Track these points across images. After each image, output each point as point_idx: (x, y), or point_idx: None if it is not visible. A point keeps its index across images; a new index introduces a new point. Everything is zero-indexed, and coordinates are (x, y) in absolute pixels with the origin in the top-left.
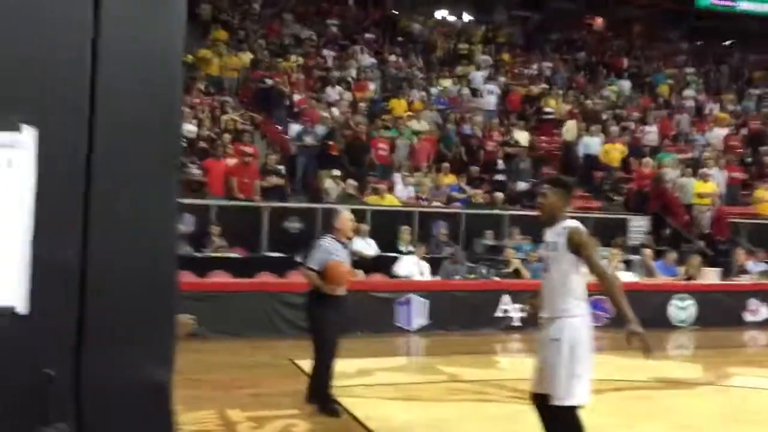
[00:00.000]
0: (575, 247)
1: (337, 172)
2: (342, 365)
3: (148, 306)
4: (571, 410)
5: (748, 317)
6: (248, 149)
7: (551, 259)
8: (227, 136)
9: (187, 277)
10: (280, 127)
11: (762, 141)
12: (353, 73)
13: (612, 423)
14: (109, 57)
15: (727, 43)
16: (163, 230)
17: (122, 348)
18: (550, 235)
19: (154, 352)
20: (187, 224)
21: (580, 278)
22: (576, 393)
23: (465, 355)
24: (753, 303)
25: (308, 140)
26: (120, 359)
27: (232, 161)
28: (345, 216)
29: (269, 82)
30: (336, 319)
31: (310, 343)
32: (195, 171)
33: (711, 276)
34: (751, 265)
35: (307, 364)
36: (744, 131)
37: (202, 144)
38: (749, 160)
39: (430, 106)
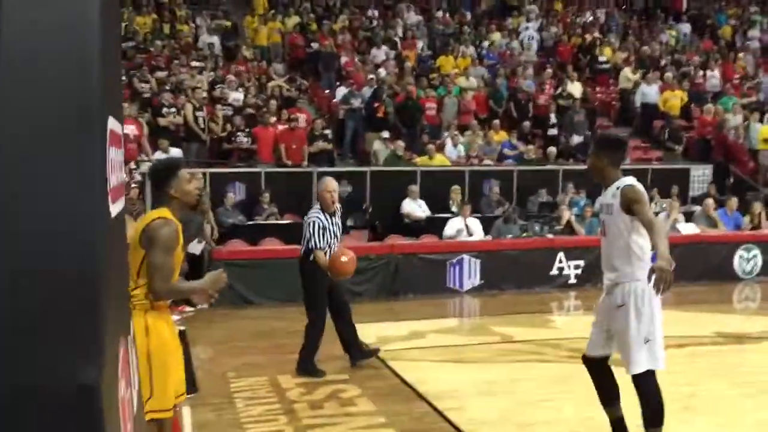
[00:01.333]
0: (628, 204)
1: (385, 134)
2: (393, 328)
3: (64, 299)
4: (648, 376)
5: None
6: (296, 115)
7: (608, 222)
8: (274, 103)
9: (238, 245)
10: (327, 92)
11: None
12: (399, 32)
13: (675, 380)
14: None
15: None
16: (75, 204)
17: (31, 348)
18: (606, 196)
19: (75, 351)
20: (238, 192)
21: (640, 239)
22: (650, 358)
23: (518, 315)
24: None
25: (355, 103)
26: (28, 360)
27: (280, 128)
28: (325, 186)
29: (315, 46)
30: (326, 279)
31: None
32: (244, 139)
33: None
34: None
35: (359, 328)
36: None
37: (250, 111)
38: None
39: (478, 62)
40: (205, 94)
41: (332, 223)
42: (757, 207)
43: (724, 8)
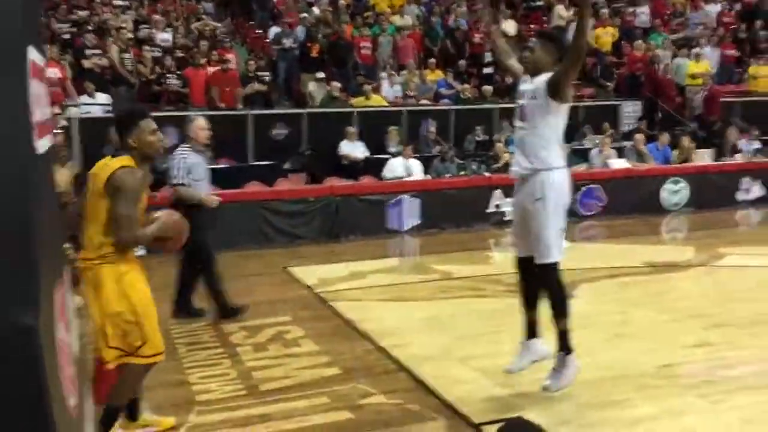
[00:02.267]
0: (553, 85)
1: (320, 75)
2: (334, 270)
3: None
4: (557, 266)
5: (741, 196)
6: (228, 56)
7: (530, 108)
8: (205, 44)
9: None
10: (260, 31)
11: (756, 15)
12: None
13: (607, 309)
14: None
15: None
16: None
17: None
18: (529, 84)
19: (11, 292)
20: (170, 137)
21: (561, 124)
22: (560, 248)
23: (458, 253)
24: (745, 182)
25: (287, 43)
26: None
27: (212, 69)
28: (198, 124)
29: None
30: (207, 226)
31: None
32: (174, 81)
33: (704, 157)
34: (743, 143)
35: (300, 271)
36: (737, 6)
37: (180, 53)
38: (743, 36)
39: (413, 0)
40: (130, 35)
41: (198, 161)
42: (685, 141)
43: None
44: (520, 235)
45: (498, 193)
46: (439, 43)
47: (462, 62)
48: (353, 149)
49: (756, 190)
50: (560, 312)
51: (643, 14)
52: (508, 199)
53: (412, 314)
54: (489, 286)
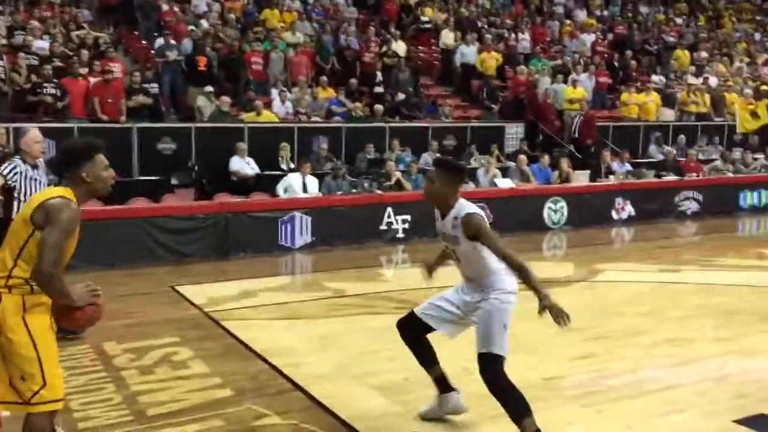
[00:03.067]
0: (473, 236)
1: (209, 89)
2: (225, 288)
3: None
4: (501, 361)
5: (615, 215)
6: (111, 66)
7: (458, 251)
8: (86, 53)
9: None
10: (145, 42)
11: (626, 45)
12: None
13: None
14: None
15: None
16: None
17: None
18: (445, 226)
19: None
20: (48, 149)
21: (490, 255)
22: (505, 346)
23: (350, 270)
24: (619, 202)
25: (171, 55)
26: None
27: (93, 80)
28: (31, 136)
29: None
30: None
31: None
32: (52, 91)
33: (581, 178)
34: (616, 165)
35: (189, 290)
36: (610, 36)
37: (58, 62)
38: (615, 64)
39: (304, 17)
40: (3, 41)
41: (37, 175)
42: (564, 163)
43: None
44: (449, 311)
45: (390, 210)
46: (331, 61)
47: (353, 81)
48: (244, 165)
49: (629, 209)
50: (520, 414)
51: (524, 41)
52: (399, 217)
53: (306, 333)
54: (381, 303)
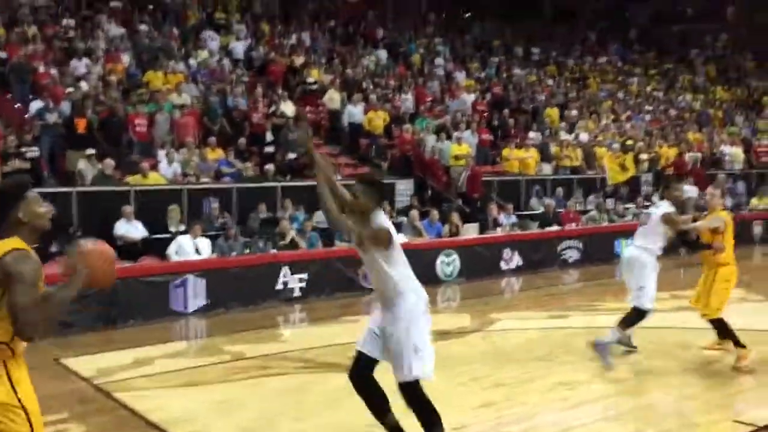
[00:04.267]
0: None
1: (91, 151)
2: (115, 358)
3: None
4: (417, 384)
5: (504, 266)
6: None
7: (366, 262)
8: None
9: None
10: (19, 105)
11: (503, 104)
12: (102, 44)
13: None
14: None
15: (467, 15)
16: None
17: None
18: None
19: None
20: None
21: (396, 268)
22: (420, 367)
23: (247, 332)
24: (507, 252)
25: (51, 118)
26: None
27: None
28: None
29: (3, 54)
30: None
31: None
32: None
33: (470, 231)
34: (503, 218)
35: (75, 362)
36: (488, 96)
37: None
38: (495, 123)
39: (190, 79)
40: None
41: None
42: (454, 217)
43: (413, 37)
44: (372, 339)
45: (285, 269)
46: (219, 122)
47: (242, 140)
48: (130, 229)
49: (516, 260)
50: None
51: (407, 101)
52: (295, 275)
53: (205, 399)
54: (281, 363)
